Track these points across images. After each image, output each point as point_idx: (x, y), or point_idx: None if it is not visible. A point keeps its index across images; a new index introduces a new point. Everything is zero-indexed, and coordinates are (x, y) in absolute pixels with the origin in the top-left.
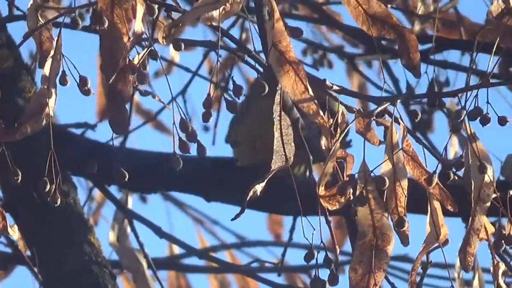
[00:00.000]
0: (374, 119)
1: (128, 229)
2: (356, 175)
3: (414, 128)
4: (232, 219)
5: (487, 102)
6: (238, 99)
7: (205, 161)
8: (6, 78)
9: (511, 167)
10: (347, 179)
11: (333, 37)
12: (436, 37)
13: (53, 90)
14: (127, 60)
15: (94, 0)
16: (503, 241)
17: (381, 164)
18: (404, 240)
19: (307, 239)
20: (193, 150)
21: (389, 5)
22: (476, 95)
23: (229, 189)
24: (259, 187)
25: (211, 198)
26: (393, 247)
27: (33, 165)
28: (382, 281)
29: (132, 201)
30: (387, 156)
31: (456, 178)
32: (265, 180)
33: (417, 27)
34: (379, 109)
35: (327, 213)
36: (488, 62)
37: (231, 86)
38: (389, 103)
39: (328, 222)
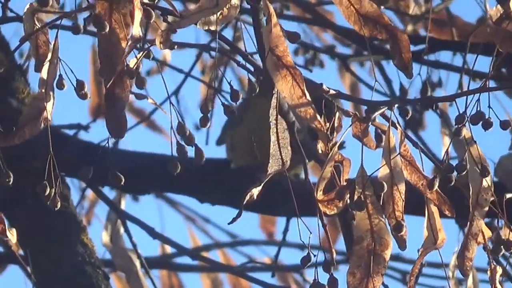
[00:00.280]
0: (371, 124)
1: (121, 230)
2: (354, 180)
3: (405, 126)
4: (229, 223)
5: (489, 107)
6: (235, 103)
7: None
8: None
9: (504, 169)
10: (345, 183)
11: (325, 36)
12: (428, 37)
13: (50, 94)
14: (125, 64)
15: (92, 4)
16: (501, 246)
17: (378, 169)
18: (402, 244)
19: (303, 243)
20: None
21: (382, 6)
22: (478, 99)
23: (223, 191)
24: (255, 191)
25: (205, 200)
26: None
27: (29, 167)
28: (380, 285)
29: (125, 201)
30: (384, 161)
31: (455, 182)
32: (262, 184)
33: (409, 27)
34: (376, 113)
35: (323, 216)
36: (481, 61)
37: (224, 86)
38: (386, 108)
39: (324, 226)
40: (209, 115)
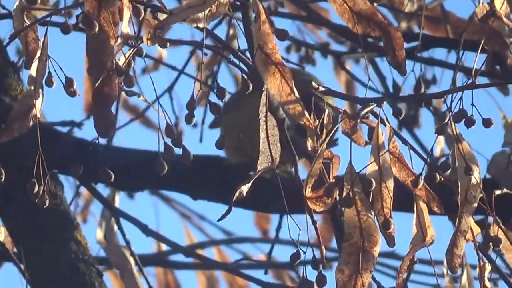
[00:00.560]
0: (360, 120)
1: (115, 227)
2: (343, 177)
3: (400, 125)
4: (219, 220)
5: (472, 104)
6: (221, 101)
7: (195, 159)
8: None
9: (497, 166)
10: (334, 180)
11: (320, 34)
12: (422, 35)
13: (39, 91)
14: (114, 63)
15: (81, 1)
16: (490, 243)
17: (367, 166)
18: (390, 241)
19: (293, 240)
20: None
21: (375, 3)
22: (461, 98)
23: (216, 188)
24: (245, 188)
25: (198, 197)
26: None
27: (21, 165)
28: (369, 282)
29: (120, 198)
30: (373, 158)
31: (443, 179)
32: (251, 181)
33: (403, 24)
34: (365, 110)
35: (313, 213)
36: (474, 61)
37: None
38: (375, 105)
39: (314, 223)
40: (194, 112)
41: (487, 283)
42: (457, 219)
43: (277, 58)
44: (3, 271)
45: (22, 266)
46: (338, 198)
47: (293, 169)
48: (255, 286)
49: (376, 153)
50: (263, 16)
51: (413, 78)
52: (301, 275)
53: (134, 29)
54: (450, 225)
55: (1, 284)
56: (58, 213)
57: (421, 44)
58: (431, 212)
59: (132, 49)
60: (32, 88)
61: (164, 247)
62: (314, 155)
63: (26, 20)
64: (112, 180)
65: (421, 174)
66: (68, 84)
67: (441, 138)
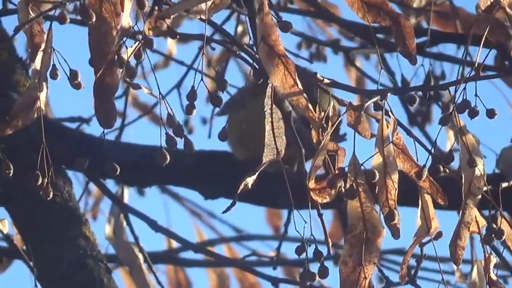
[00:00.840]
0: (365, 112)
1: (124, 223)
2: (346, 168)
3: (410, 119)
4: (223, 212)
5: (475, 95)
6: (223, 93)
7: (200, 154)
8: (0, 72)
9: (506, 160)
10: (337, 172)
11: (330, 30)
12: (431, 30)
13: (44, 84)
14: (116, 53)
15: None
16: (493, 235)
17: (371, 157)
18: (395, 233)
19: (298, 232)
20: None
21: None
22: (465, 88)
23: (223, 183)
24: (250, 180)
25: (209, 196)
26: (387, 240)
27: (28, 160)
28: (372, 274)
29: (129, 195)
30: (377, 149)
31: (447, 171)
32: (257, 173)
33: (412, 20)
34: (369, 102)
35: (319, 206)
36: (478, 54)
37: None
38: (379, 97)
39: (320, 215)
40: (194, 103)
41: (493, 275)
42: (461, 211)
43: (281, 50)
44: (12, 268)
45: (31, 263)
46: (343, 190)
47: (299, 166)
48: (266, 282)
49: (381, 145)
50: (266, 8)
51: (422, 73)
52: (304, 267)
53: (142, 21)
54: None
55: (11, 281)
56: (67, 209)
57: (430, 40)
58: (439, 207)
59: (139, 42)
60: (37, 80)
61: (175, 244)
62: (318, 147)
63: (31, 12)
64: (117, 173)
65: (425, 166)
66: (73, 77)
67: (451, 134)
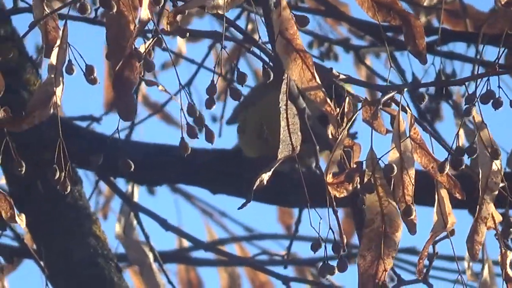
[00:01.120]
0: (381, 108)
1: (135, 222)
2: (364, 163)
3: (420, 116)
4: (239, 208)
5: (499, 87)
6: (242, 86)
7: (212, 153)
8: (10, 70)
9: None
10: (355, 166)
11: (340, 29)
12: (441, 29)
13: (60, 79)
14: (134, 47)
15: None
16: (511, 229)
17: (388, 152)
18: (412, 228)
19: (313, 228)
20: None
21: None
22: (488, 80)
23: (234, 181)
24: (265, 176)
25: (217, 191)
26: (401, 238)
27: (40, 158)
28: (390, 267)
29: (139, 194)
30: (394, 145)
31: (464, 166)
32: (272, 169)
33: (422, 18)
34: (386, 97)
35: (334, 204)
36: (494, 53)
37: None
38: (395, 92)
39: (335, 211)
40: (214, 97)
41: (509, 271)
42: (478, 206)
43: (298, 44)
44: (23, 268)
45: (41, 262)
46: (358, 186)
47: (312, 163)
48: (277, 281)
49: (397, 140)
50: (284, 2)
51: (432, 72)
52: (323, 260)
53: (154, 18)
54: (470, 221)
55: (21, 280)
56: (77, 208)
57: (440, 38)
58: (453, 206)
59: (153, 38)
60: (52, 76)
61: (186, 243)
62: (334, 143)
63: (46, 9)
64: (132, 170)
65: (447, 159)
66: (89, 72)
67: (461, 132)
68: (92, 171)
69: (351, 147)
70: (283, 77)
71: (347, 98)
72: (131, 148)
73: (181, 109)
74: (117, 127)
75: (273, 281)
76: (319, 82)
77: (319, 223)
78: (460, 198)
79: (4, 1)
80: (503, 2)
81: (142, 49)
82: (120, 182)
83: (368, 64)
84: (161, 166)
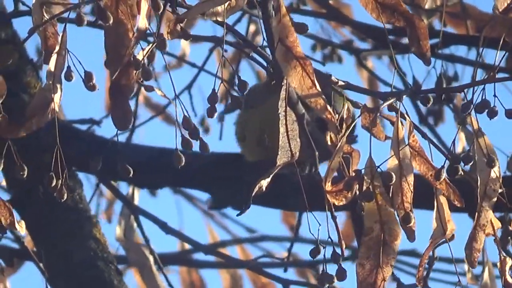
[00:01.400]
0: (380, 115)
1: (135, 225)
2: (363, 171)
3: (422, 118)
4: (238, 215)
5: (494, 96)
6: (243, 94)
7: (212, 156)
8: (11, 73)
9: None
10: (354, 174)
11: (343, 31)
12: (442, 31)
13: (58, 86)
14: (132, 55)
15: None
16: (509, 237)
17: (387, 160)
18: (410, 235)
19: (313, 235)
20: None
21: None
22: (483, 89)
23: (233, 185)
24: (264, 182)
25: (215, 202)
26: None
27: (40, 162)
28: (389, 276)
29: (140, 196)
30: (393, 152)
31: (462, 173)
32: (271, 176)
33: (424, 21)
34: (385, 104)
35: (333, 209)
36: (494, 56)
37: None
38: (395, 99)
39: (334, 218)
40: (216, 105)
41: (508, 278)
42: (476, 213)
43: (298, 51)
44: (23, 270)
45: (41, 265)
46: (357, 193)
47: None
48: (278, 284)
49: (396, 147)
50: (283, 9)
51: (433, 75)
52: (322, 269)
53: (156, 23)
54: (470, 223)
55: (22, 283)
56: (77, 211)
57: (441, 41)
58: (452, 210)
59: (153, 43)
60: (51, 82)
61: (187, 245)
62: (333, 150)
63: (45, 14)
64: (131, 175)
65: (443, 167)
66: (87, 78)
67: (462, 135)
68: (93, 175)
69: (350, 154)
70: (283, 83)
71: (346, 105)
72: (131, 151)
73: (176, 121)
74: (116, 131)
75: (275, 282)
76: (319, 89)
77: (318, 229)
78: (459, 205)
79: (5, 4)
80: (500, 9)
81: (141, 55)
82: (121, 185)
83: (370, 67)
84: (161, 169)
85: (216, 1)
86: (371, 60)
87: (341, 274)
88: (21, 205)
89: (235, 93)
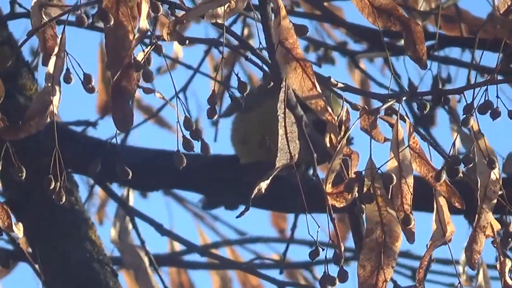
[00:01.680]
0: (379, 117)
1: (130, 226)
2: (363, 172)
3: (415, 122)
4: (237, 217)
5: (497, 97)
6: (243, 95)
7: (208, 158)
8: (7, 75)
9: None
10: (354, 176)
11: (336, 33)
12: (437, 34)
13: (57, 88)
14: (132, 57)
15: None
16: (510, 239)
17: (387, 161)
18: (410, 237)
19: (312, 237)
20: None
21: None
22: (486, 90)
23: (230, 187)
24: (263, 185)
25: (214, 196)
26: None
27: (37, 163)
28: (390, 277)
29: (134, 198)
30: (393, 154)
31: (462, 175)
32: (270, 178)
33: (420, 25)
34: (385, 106)
35: (332, 210)
36: (490, 57)
37: (233, 82)
38: (394, 101)
39: (332, 220)
40: (216, 106)
41: (508, 279)
42: (477, 215)
43: (298, 53)
44: (17, 271)
45: (36, 266)
46: (357, 194)
47: (309, 171)
48: (270, 285)
49: (396, 149)
50: (283, 11)
51: (428, 77)
52: (323, 271)
53: (151, 25)
54: (465, 225)
55: (16, 284)
56: (73, 213)
57: (436, 43)
58: (451, 212)
59: (150, 46)
60: (50, 84)
61: (178, 246)
62: (332, 152)
63: (44, 17)
64: (129, 177)
65: (443, 168)
66: (87, 81)
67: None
68: (89, 177)
69: (349, 156)
70: (281, 85)
71: (345, 107)
72: (126, 153)
73: (177, 122)
74: (115, 133)
75: (265, 284)
76: (320, 90)
77: (317, 231)
78: (459, 207)
79: (0, 6)
80: (501, 11)
81: (140, 57)
82: (115, 186)
83: (362, 68)
84: (157, 171)
85: (216, 3)
86: (363, 62)
87: (343, 276)
88: (19, 207)
89: (230, 95)
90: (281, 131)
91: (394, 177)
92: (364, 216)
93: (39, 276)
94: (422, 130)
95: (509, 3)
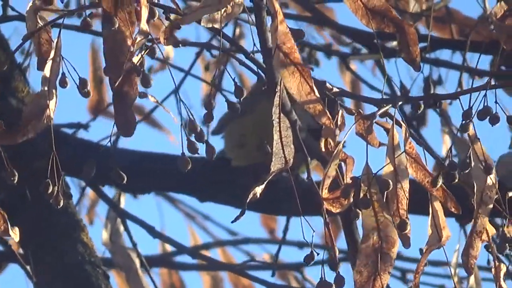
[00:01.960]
0: (375, 122)
1: (121, 228)
2: (359, 178)
3: (408, 124)
4: (232, 221)
5: (496, 102)
6: (239, 100)
7: (201, 160)
8: (1, 78)
9: (504, 168)
10: (351, 181)
11: (326, 35)
12: (428, 36)
13: (53, 92)
14: (132, 62)
15: (95, 2)
16: (507, 244)
17: (383, 167)
18: (406, 242)
19: (306, 241)
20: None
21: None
22: (485, 95)
23: (223, 189)
24: (258, 189)
25: (207, 199)
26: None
27: (30, 166)
28: (387, 283)
29: (125, 200)
30: (388, 159)
31: (457, 180)
32: (265, 182)
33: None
34: (381, 111)
35: (326, 215)
36: (496, 62)
37: (225, 84)
38: (390, 105)
39: (327, 224)
40: (212, 111)
41: (503, 284)
42: (473, 220)
43: (296, 58)
44: (8, 273)
45: (28, 267)
46: (353, 199)
47: (303, 173)
48: (261, 286)
49: (392, 154)
50: (281, 16)
51: (419, 79)
52: (320, 276)
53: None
54: (456, 227)
55: (6, 286)
56: (65, 215)
57: (428, 45)
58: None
59: (145, 50)
60: (46, 88)
61: (169, 248)
62: (328, 157)
63: (39, 21)
64: (124, 181)
65: (439, 173)
66: (82, 85)
67: (446, 139)
68: (81, 179)
69: (344, 161)
70: (276, 90)
71: (340, 111)
72: (118, 155)
73: (181, 125)
74: (110, 135)
75: (256, 285)
76: (318, 95)
77: (312, 235)
78: (455, 212)
79: None
80: (498, 16)
81: (135, 60)
82: (107, 188)
83: (354, 71)
84: (148, 174)
85: (213, 8)
86: (354, 63)
87: (340, 282)
88: (10, 210)
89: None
90: (276, 136)
91: (391, 183)
92: (359, 220)
93: (30, 277)
94: (412, 131)
95: (505, 8)
